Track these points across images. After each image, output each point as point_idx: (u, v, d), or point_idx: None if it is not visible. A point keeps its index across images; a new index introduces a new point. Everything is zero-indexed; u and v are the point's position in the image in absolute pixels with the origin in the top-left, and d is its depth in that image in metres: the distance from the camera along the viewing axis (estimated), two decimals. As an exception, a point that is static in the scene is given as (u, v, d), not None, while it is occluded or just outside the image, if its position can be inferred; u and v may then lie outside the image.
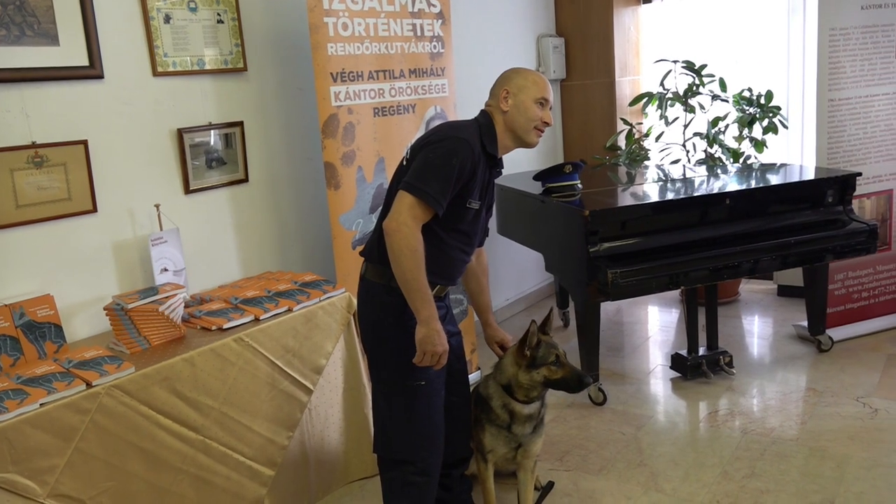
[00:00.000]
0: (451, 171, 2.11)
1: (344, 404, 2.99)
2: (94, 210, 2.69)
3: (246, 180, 3.24)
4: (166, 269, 2.83)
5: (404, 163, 2.25)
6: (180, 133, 2.95)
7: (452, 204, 2.17)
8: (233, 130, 3.16)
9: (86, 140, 2.64)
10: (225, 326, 2.60)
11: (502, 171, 2.41)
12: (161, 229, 2.86)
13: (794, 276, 4.66)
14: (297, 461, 2.82)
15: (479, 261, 2.62)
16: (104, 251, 2.76)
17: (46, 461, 2.06)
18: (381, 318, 2.27)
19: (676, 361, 3.88)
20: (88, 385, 2.18)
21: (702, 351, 3.85)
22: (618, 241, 3.39)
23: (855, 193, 3.79)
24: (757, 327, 4.58)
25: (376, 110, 3.34)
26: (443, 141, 2.16)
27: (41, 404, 2.07)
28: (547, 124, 2.30)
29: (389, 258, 2.12)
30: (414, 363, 2.17)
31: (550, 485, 2.92)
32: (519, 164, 4.92)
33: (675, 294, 5.14)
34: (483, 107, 2.36)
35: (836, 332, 4.11)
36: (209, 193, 3.11)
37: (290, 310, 2.77)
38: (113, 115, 2.76)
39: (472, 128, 2.25)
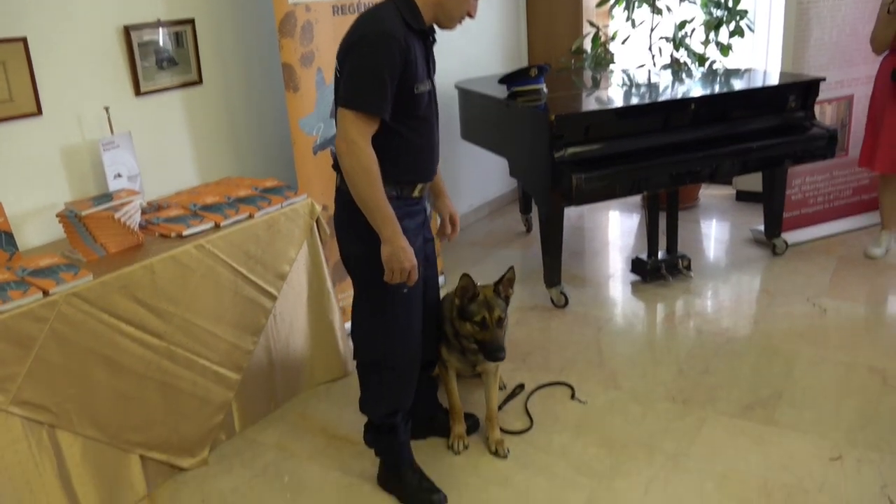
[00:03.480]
0: (381, 71, 1.98)
1: (308, 310, 3.00)
2: (39, 112, 2.56)
3: (200, 82, 3.11)
4: (120, 175, 2.74)
5: (337, 74, 2.11)
6: (127, 31, 2.79)
7: (400, 96, 2.04)
8: (183, 28, 3.00)
9: (25, 37, 2.48)
10: (184, 233, 2.55)
11: (435, 38, 2.21)
12: (112, 133, 2.74)
13: (753, 182, 4.72)
14: (263, 366, 2.84)
15: None
16: (53, 156, 2.64)
17: (5, 369, 2.03)
18: (359, 229, 2.17)
19: (636, 265, 3.95)
20: (45, 293, 2.13)
21: (661, 255, 3.92)
22: (582, 146, 3.37)
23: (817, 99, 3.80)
24: (715, 231, 4.67)
25: (335, 8, 3.19)
26: (362, 40, 2.01)
27: (-3, 313, 2.02)
28: (471, 16, 2.17)
29: (345, 179, 2.06)
30: (385, 281, 2.14)
31: (521, 387, 3.00)
32: (483, 68, 4.81)
33: (636, 199, 5.18)
34: None
35: (791, 236, 4.22)
36: (161, 96, 2.98)
37: (251, 216, 2.72)
38: (53, 10, 2.58)
39: (389, 11, 2.06)
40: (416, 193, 2.21)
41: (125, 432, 2.36)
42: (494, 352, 2.39)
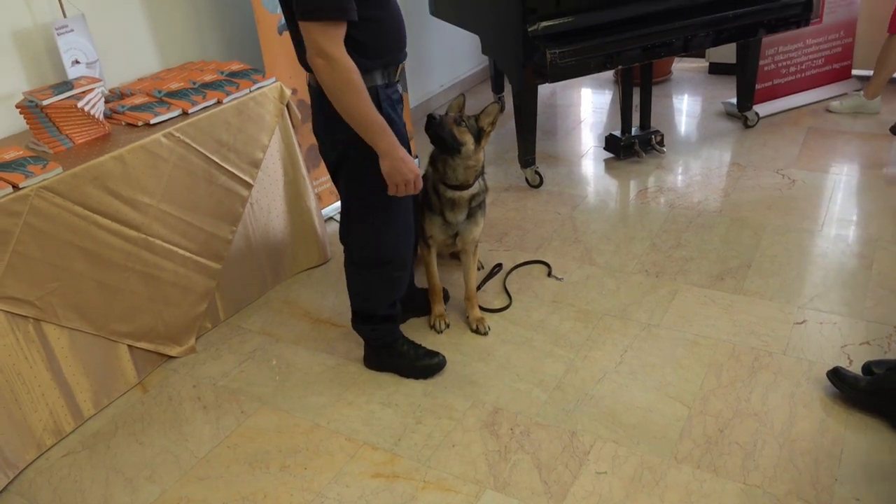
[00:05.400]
0: None
1: (286, 197, 2.97)
2: (-17, -6, 2.41)
3: (152, -42, 2.92)
4: (78, 62, 2.61)
5: None
6: None
7: None
8: None
9: None
10: (152, 122, 2.47)
11: None
12: (64, 16, 2.59)
13: (725, 53, 4.68)
14: (244, 254, 2.85)
15: None
16: (3, 41, 2.50)
17: (-16, 266, 2.02)
18: (340, 130, 2.02)
19: (610, 142, 3.95)
20: (15, 187, 2.08)
21: (634, 131, 3.92)
22: (556, 20, 3.27)
23: (794, -37, 3.71)
24: (687, 106, 4.66)
25: None
26: None
27: (-33, 209, 1.98)
28: None
29: (329, 97, 1.92)
30: (389, 195, 2.06)
31: (498, 266, 3.05)
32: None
33: (608, 75, 5.11)
34: None
35: (763, 108, 4.23)
36: (113, -26, 2.81)
37: (219, 102, 2.64)
38: None
39: None
40: (397, 77, 2.12)
41: (111, 323, 2.38)
42: (429, 117, 2.34)
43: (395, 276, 2.36)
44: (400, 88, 2.20)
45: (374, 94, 2.01)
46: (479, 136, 2.42)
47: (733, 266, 2.93)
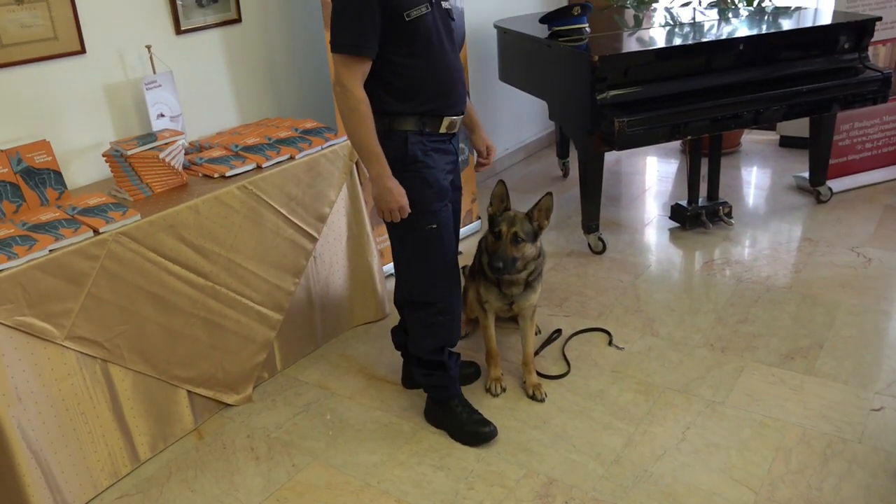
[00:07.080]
0: (360, 5, 1.93)
1: (348, 252, 3.02)
2: (83, 51, 2.56)
3: (239, 20, 3.07)
4: (163, 115, 2.74)
5: None
6: (166, -34, 2.76)
7: (392, 26, 1.96)
8: (222, -36, 2.95)
9: (67, -27, 2.47)
10: (227, 174, 2.56)
11: None
12: (154, 72, 2.74)
13: (797, 127, 4.60)
14: (304, 306, 2.88)
15: None
16: (96, 95, 2.65)
17: (61, 305, 2.09)
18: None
19: (676, 212, 3.89)
20: (96, 232, 2.17)
21: (701, 201, 3.86)
22: (626, 89, 3.29)
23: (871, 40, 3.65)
24: (757, 178, 4.57)
25: (375, -57, 3.11)
26: None
27: (50, 250, 2.06)
28: None
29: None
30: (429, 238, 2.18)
31: (558, 332, 3.01)
32: (523, 6, 4.69)
33: (674, 144, 5.08)
34: None
35: (836, 184, 4.12)
36: (201, 34, 2.96)
37: (292, 158, 2.72)
38: (93, -55, 2.55)
39: None
40: (442, 129, 2.16)
41: (173, 368, 2.43)
42: (494, 261, 2.39)
43: (439, 321, 2.36)
44: (456, 147, 2.28)
45: (403, 138, 2.11)
46: (535, 235, 2.44)
47: (804, 345, 2.81)
